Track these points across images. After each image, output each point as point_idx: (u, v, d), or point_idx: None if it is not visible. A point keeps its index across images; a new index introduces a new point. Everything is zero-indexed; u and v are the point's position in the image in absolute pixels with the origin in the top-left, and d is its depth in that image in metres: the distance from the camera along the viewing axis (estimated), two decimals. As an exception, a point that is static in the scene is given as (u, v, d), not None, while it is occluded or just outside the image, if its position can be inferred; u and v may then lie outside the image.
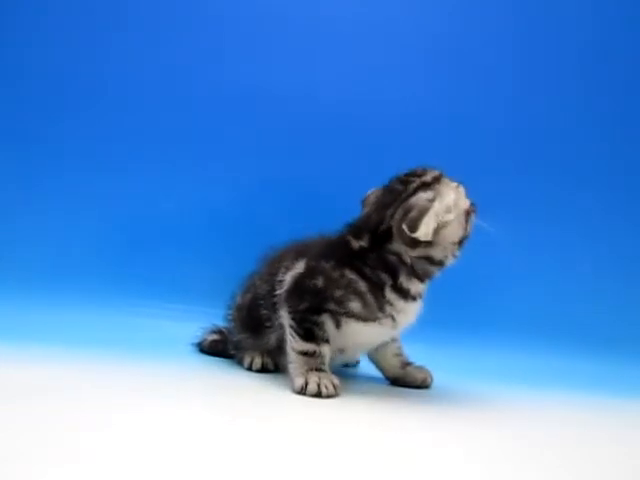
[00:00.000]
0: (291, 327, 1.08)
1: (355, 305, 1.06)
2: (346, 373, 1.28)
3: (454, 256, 1.09)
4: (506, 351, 1.59)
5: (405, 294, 1.08)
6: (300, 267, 1.10)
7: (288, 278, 1.11)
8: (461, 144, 1.77)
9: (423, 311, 1.12)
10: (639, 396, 1.33)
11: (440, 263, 1.08)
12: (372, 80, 1.80)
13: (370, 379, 1.26)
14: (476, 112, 1.79)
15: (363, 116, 1.78)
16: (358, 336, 1.10)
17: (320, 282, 1.07)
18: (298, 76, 1.80)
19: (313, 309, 1.07)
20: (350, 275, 1.07)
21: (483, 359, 1.54)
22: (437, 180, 1.09)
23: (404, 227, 1.02)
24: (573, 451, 0.87)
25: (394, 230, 1.05)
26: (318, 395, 1.01)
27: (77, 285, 1.67)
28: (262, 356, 1.22)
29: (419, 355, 1.24)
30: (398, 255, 1.06)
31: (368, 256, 1.07)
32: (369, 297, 1.06)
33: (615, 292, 1.74)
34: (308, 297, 1.07)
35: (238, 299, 1.29)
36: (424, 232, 1.01)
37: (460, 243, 1.08)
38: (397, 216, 1.04)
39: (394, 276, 1.07)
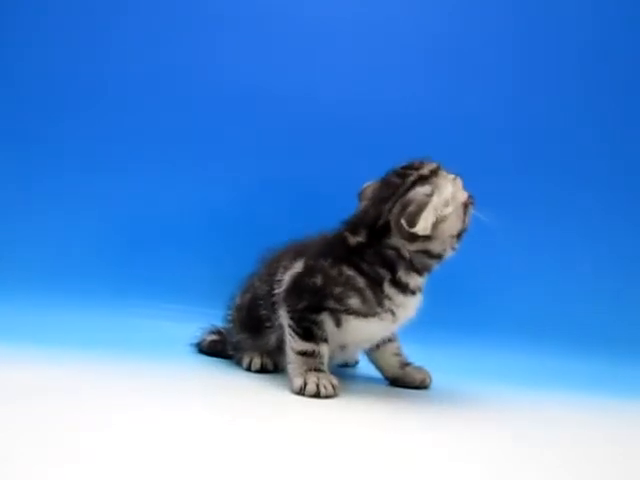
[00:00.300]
0: (290, 327, 1.08)
1: (354, 301, 1.06)
2: (345, 373, 1.28)
3: (453, 249, 1.08)
4: (505, 351, 1.59)
5: (404, 288, 1.07)
6: (298, 266, 1.10)
7: (287, 278, 1.11)
8: (461, 144, 1.76)
9: (422, 312, 1.12)
10: (639, 396, 1.32)
11: (439, 256, 1.08)
12: (372, 80, 1.80)
13: (369, 379, 1.26)
14: (476, 112, 1.79)
15: (363, 116, 1.78)
16: (359, 332, 1.10)
17: (319, 280, 1.07)
18: (298, 76, 1.80)
19: (312, 308, 1.07)
20: (348, 272, 1.06)
21: (482, 359, 1.54)
22: (434, 173, 1.08)
23: (402, 222, 1.02)
24: (573, 451, 0.87)
25: (392, 225, 1.05)
26: (317, 395, 1.01)
27: (77, 285, 1.67)
28: (261, 356, 1.22)
29: (418, 355, 1.24)
30: (396, 249, 1.06)
31: (365, 252, 1.07)
32: (368, 293, 1.06)
33: (615, 292, 1.74)
34: (307, 296, 1.07)
35: (237, 299, 1.29)
36: (423, 227, 1.01)
37: (459, 236, 1.08)
38: (395, 211, 1.04)
39: (392, 271, 1.06)
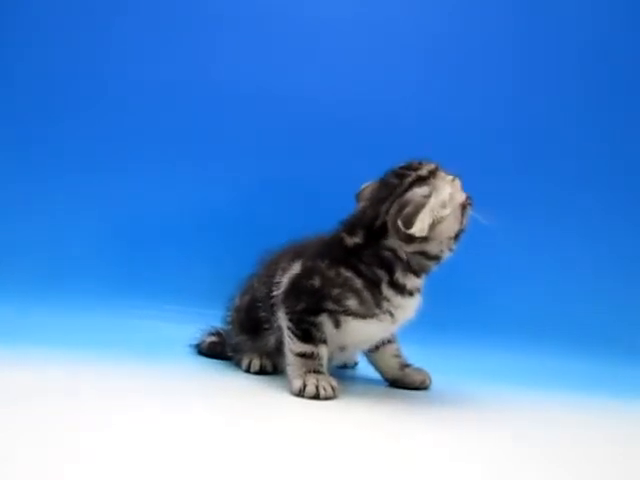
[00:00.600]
0: (289, 328, 1.08)
1: (352, 303, 1.06)
2: (344, 375, 1.28)
3: (450, 250, 1.08)
4: (505, 352, 1.58)
5: (401, 290, 1.07)
6: (296, 268, 1.10)
7: (285, 280, 1.11)
8: (461, 144, 1.76)
9: (422, 313, 1.12)
10: (639, 397, 1.32)
11: (436, 258, 1.07)
12: (372, 80, 1.80)
13: (368, 381, 1.26)
14: (476, 112, 1.79)
15: (363, 116, 1.78)
16: (358, 333, 1.10)
17: (317, 282, 1.07)
18: (298, 76, 1.80)
19: (310, 310, 1.07)
20: (346, 273, 1.06)
21: (482, 360, 1.54)
22: (433, 174, 1.08)
23: (399, 223, 1.01)
24: (573, 451, 0.87)
25: (389, 225, 1.04)
26: (316, 397, 1.01)
27: (76, 286, 1.67)
28: (260, 358, 1.22)
29: (417, 356, 1.24)
30: (393, 251, 1.06)
31: (363, 253, 1.07)
32: (366, 294, 1.06)
33: (615, 292, 1.74)
34: (305, 297, 1.07)
35: (236, 301, 1.29)
36: (419, 228, 1.00)
37: (456, 237, 1.08)
38: (392, 211, 1.04)
39: (390, 272, 1.06)
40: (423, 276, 1.10)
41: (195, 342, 1.39)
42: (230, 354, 1.30)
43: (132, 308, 1.65)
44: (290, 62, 1.80)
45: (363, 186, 1.14)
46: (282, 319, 1.10)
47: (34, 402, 0.85)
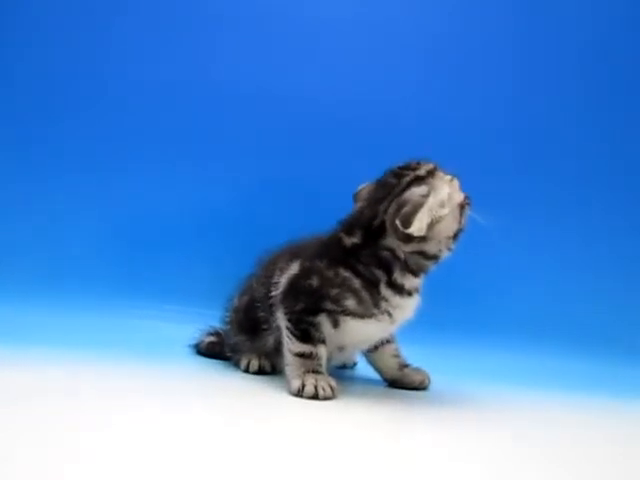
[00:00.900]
0: (287, 329, 1.08)
1: (350, 303, 1.06)
2: (343, 375, 1.28)
3: (449, 250, 1.08)
4: (505, 352, 1.58)
5: (400, 290, 1.07)
6: (294, 268, 1.10)
7: (283, 280, 1.11)
8: (461, 144, 1.76)
9: (421, 313, 1.12)
10: (639, 397, 1.32)
11: (434, 257, 1.07)
12: (372, 80, 1.80)
13: (367, 381, 1.26)
14: (476, 112, 1.79)
15: (363, 116, 1.78)
16: (356, 333, 1.10)
17: (315, 282, 1.07)
18: (298, 76, 1.80)
19: (309, 310, 1.07)
20: (344, 273, 1.06)
21: (482, 360, 1.53)
22: (431, 174, 1.08)
23: (397, 222, 1.01)
24: (573, 451, 0.87)
25: (387, 225, 1.04)
26: (315, 397, 1.01)
27: (76, 286, 1.67)
28: (259, 358, 1.22)
29: (416, 357, 1.24)
30: (391, 250, 1.06)
31: (361, 253, 1.07)
32: (364, 294, 1.06)
33: (615, 292, 1.74)
34: (303, 298, 1.07)
35: (235, 301, 1.29)
36: (417, 227, 1.00)
37: (455, 237, 1.08)
38: (390, 211, 1.04)
39: (388, 272, 1.06)
40: (421, 276, 1.10)
41: (194, 342, 1.39)
42: (229, 354, 1.30)
43: (132, 308, 1.65)
44: (290, 62, 1.80)
45: (360, 187, 1.15)
46: (281, 319, 1.10)
47: (34, 402, 0.85)
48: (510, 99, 1.80)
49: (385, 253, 1.06)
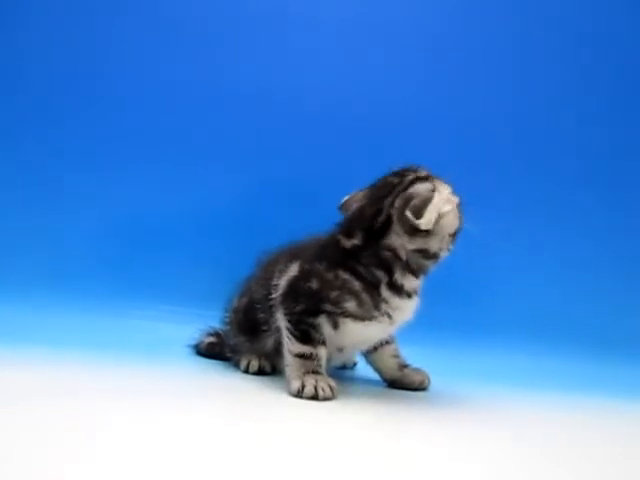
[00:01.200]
0: (287, 329, 1.08)
1: (351, 305, 1.06)
2: (343, 375, 1.28)
3: (448, 249, 1.08)
4: (505, 352, 1.58)
5: (400, 291, 1.07)
6: (294, 270, 1.10)
7: (283, 282, 1.11)
8: (461, 144, 1.77)
9: (420, 313, 1.12)
10: (638, 397, 1.32)
11: (435, 256, 1.07)
12: (372, 80, 1.80)
13: (367, 381, 1.26)
14: (476, 112, 1.79)
15: (363, 116, 1.78)
16: (356, 335, 1.10)
17: (315, 284, 1.07)
18: (298, 76, 1.80)
19: (309, 311, 1.07)
20: (344, 275, 1.06)
21: (481, 360, 1.53)
22: (430, 176, 1.09)
23: (408, 214, 1.02)
24: (572, 451, 0.88)
25: (394, 219, 1.05)
26: (315, 398, 1.01)
27: (75, 287, 1.67)
28: (259, 359, 1.22)
29: (416, 357, 1.24)
30: (393, 250, 1.06)
31: (361, 254, 1.07)
32: (364, 296, 1.06)
33: (615, 292, 1.74)
34: (303, 299, 1.07)
35: (234, 302, 1.29)
36: (427, 219, 1.01)
37: (454, 235, 1.08)
38: (398, 205, 1.05)
39: (389, 272, 1.06)
40: (421, 277, 1.10)
41: (194, 343, 1.39)
42: (229, 355, 1.30)
43: (131, 308, 1.65)
44: (290, 62, 1.80)
45: (346, 197, 1.15)
46: (281, 320, 1.10)
47: (33, 402, 0.85)
48: (510, 99, 1.80)
49: (386, 253, 1.06)
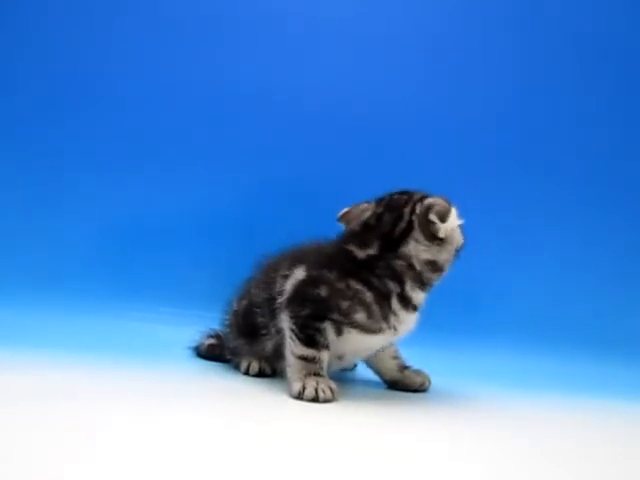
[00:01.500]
0: (292, 331, 1.08)
1: (360, 316, 1.07)
2: (343, 377, 1.27)
3: (451, 265, 1.11)
4: (505, 353, 1.58)
5: (407, 303, 1.09)
6: (299, 274, 1.10)
7: (288, 287, 1.10)
8: (461, 144, 1.77)
9: (420, 314, 1.13)
10: (638, 398, 1.32)
11: (441, 269, 1.09)
12: (372, 80, 1.79)
13: (367, 383, 1.26)
14: (476, 112, 1.78)
15: (363, 116, 1.78)
16: (358, 344, 1.11)
17: (323, 292, 1.07)
18: (298, 76, 1.79)
19: (315, 316, 1.07)
20: (356, 286, 1.07)
21: (481, 361, 1.53)
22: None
23: (433, 217, 1.05)
24: (572, 451, 0.88)
25: (416, 224, 1.07)
26: (315, 400, 1.01)
27: (75, 288, 1.67)
28: (259, 361, 1.22)
29: (416, 358, 1.24)
30: (408, 259, 1.07)
31: (376, 264, 1.08)
32: (374, 307, 1.07)
33: (615, 292, 1.73)
34: (309, 304, 1.07)
35: (234, 305, 1.29)
36: (451, 225, 1.06)
37: (459, 251, 1.11)
38: (419, 211, 1.07)
39: (401, 283, 1.08)
40: (427, 291, 1.11)
41: (194, 344, 1.39)
42: (229, 357, 1.30)
43: (130, 310, 1.65)
44: (290, 62, 1.80)
45: (346, 209, 1.15)
46: (285, 321, 1.09)
47: (33, 403, 0.85)
48: (510, 99, 1.80)
49: (400, 263, 1.07)
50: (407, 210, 1.09)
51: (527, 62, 1.79)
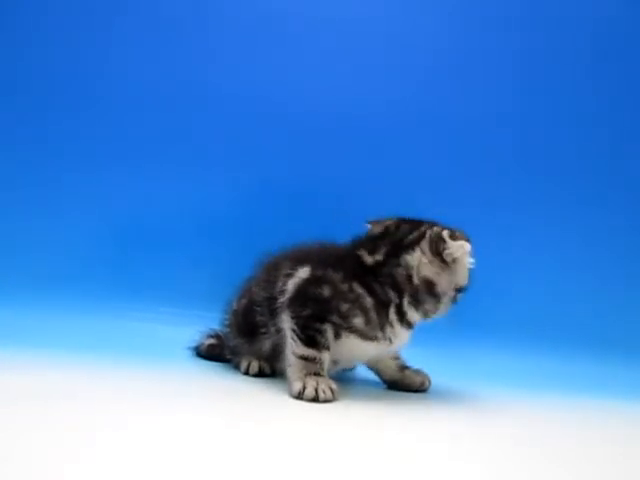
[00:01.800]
0: (293, 331, 1.08)
1: (358, 321, 1.07)
2: (343, 377, 1.27)
3: (447, 305, 1.11)
4: (505, 353, 1.59)
5: (402, 317, 1.10)
6: (303, 274, 1.10)
7: (290, 286, 1.10)
8: (461, 144, 1.77)
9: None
10: (638, 398, 1.32)
11: (437, 296, 1.09)
12: (372, 80, 1.79)
13: (367, 383, 1.26)
14: (476, 112, 1.78)
15: (363, 116, 1.78)
16: (354, 350, 1.11)
17: (326, 292, 1.07)
18: (298, 76, 1.79)
19: (316, 316, 1.07)
20: (358, 289, 1.08)
21: (481, 361, 1.54)
22: None
23: (445, 234, 1.07)
24: (572, 451, 0.88)
25: (427, 235, 1.09)
26: (315, 400, 1.01)
27: (74, 288, 1.67)
28: (259, 360, 1.22)
29: (416, 359, 1.24)
30: (408, 269, 1.08)
31: (380, 271, 1.09)
32: (372, 314, 1.07)
33: (615, 292, 1.73)
34: (311, 304, 1.07)
35: (234, 304, 1.29)
36: (461, 248, 1.07)
37: (459, 291, 1.11)
38: (436, 229, 1.10)
39: (400, 295, 1.08)
40: (421, 314, 1.11)
41: (194, 344, 1.39)
42: (229, 356, 1.30)
43: (130, 310, 1.65)
44: (290, 63, 1.80)
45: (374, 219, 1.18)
46: (286, 321, 1.09)
47: (33, 403, 0.85)
48: (510, 99, 1.80)
49: (401, 272, 1.08)
50: (425, 226, 1.12)
51: (527, 62, 1.79)
